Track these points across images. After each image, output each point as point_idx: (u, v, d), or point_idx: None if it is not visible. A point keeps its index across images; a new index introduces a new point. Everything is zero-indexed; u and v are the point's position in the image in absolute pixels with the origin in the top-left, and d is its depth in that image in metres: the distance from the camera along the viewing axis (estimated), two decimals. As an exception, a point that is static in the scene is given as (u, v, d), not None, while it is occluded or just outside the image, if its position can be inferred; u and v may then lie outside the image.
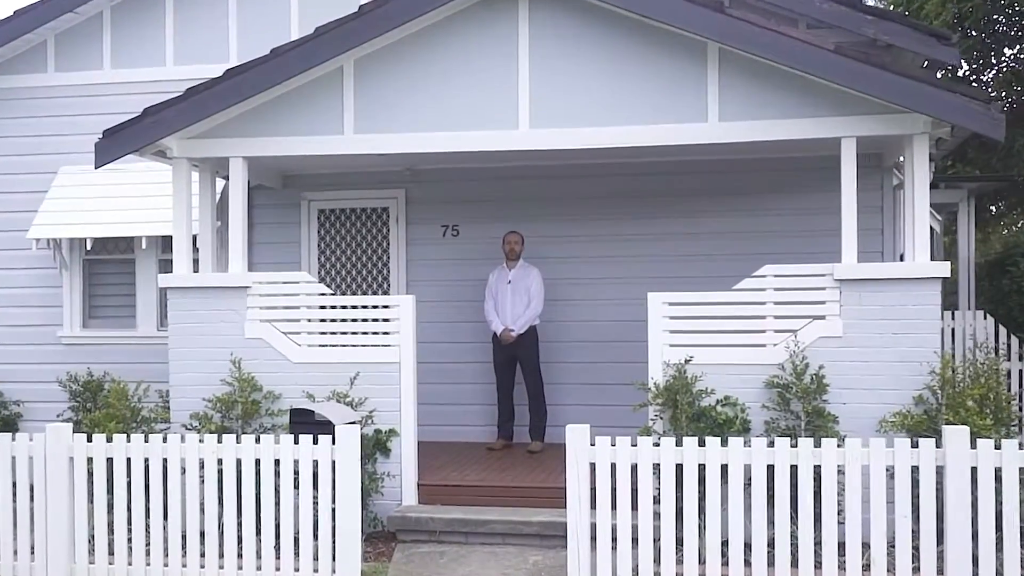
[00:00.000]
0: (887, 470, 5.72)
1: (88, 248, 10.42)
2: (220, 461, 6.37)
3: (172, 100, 8.04)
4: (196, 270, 8.48)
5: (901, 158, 8.80)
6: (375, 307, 8.25)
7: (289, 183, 10.40)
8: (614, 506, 5.86)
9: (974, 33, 14.94)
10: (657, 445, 5.81)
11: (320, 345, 8.19)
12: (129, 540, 6.46)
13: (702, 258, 9.58)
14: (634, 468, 5.88)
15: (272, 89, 8.00)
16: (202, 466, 6.42)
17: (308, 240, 10.42)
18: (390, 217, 10.28)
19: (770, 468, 5.78)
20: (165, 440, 6.47)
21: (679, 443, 5.87)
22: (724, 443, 5.88)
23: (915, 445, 5.70)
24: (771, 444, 5.81)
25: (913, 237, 7.42)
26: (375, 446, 7.98)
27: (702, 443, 5.85)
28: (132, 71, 10.51)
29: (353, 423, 7.16)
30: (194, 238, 8.58)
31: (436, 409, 9.82)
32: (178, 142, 8.25)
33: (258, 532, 6.32)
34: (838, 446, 5.72)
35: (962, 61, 14.19)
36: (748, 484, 5.84)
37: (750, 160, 9.47)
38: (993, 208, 17.83)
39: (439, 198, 10.17)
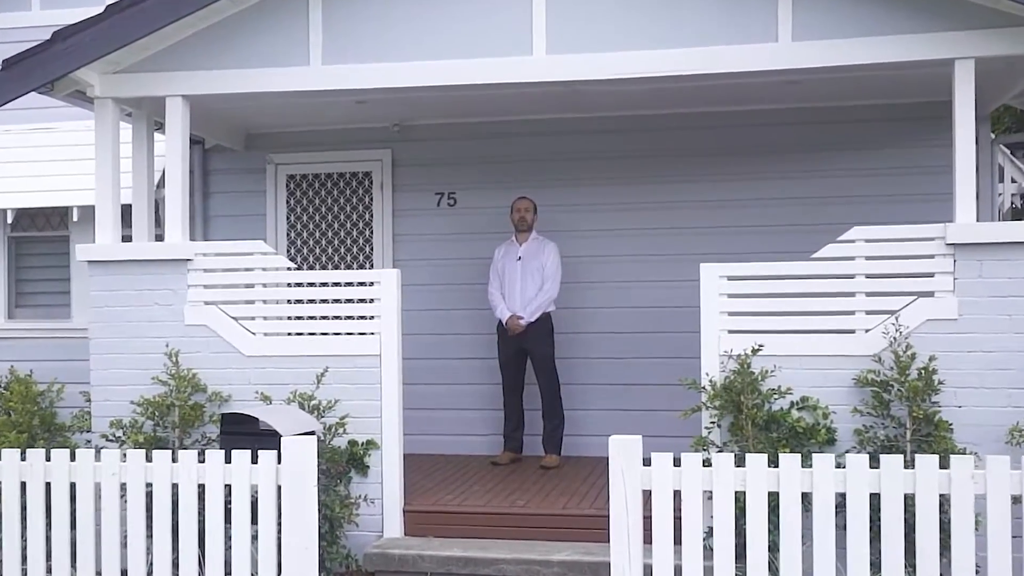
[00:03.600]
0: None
1: (10, 222, 8.67)
2: (124, 486, 4.62)
3: (89, 20, 6.29)
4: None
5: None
6: (350, 284, 6.55)
7: (253, 143, 8.69)
8: (677, 540, 4.11)
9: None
10: (741, 465, 4.04)
11: (280, 334, 6.49)
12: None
13: (763, 231, 7.82)
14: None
15: (217, 5, 6.27)
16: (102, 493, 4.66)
17: (275, 212, 8.68)
18: (373, 183, 8.53)
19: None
20: (49, 458, 4.70)
21: (773, 462, 4.10)
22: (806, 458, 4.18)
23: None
24: (909, 464, 4.03)
25: (1051, 188, 5.67)
26: (349, 462, 6.25)
27: (807, 463, 4.09)
28: (66, 12, 8.68)
29: (310, 434, 5.40)
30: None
31: (427, 415, 8.11)
32: (101, 77, 6.53)
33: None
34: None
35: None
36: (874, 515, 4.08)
37: (826, 109, 7.80)
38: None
39: (433, 160, 8.43)
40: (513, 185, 8.12)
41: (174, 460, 4.55)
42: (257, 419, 5.41)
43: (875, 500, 4.05)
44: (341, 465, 6.16)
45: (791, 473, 3.94)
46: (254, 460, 4.46)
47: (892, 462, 3.94)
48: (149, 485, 4.57)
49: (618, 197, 8.11)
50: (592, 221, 8.15)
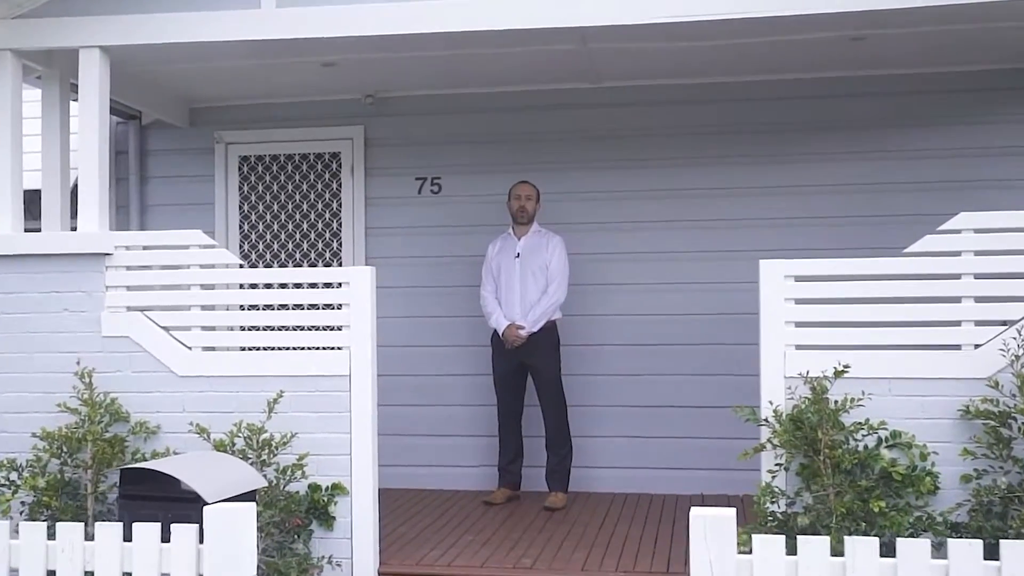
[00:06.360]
0: None
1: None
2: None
3: (-24, -55, 4.94)
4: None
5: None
6: (312, 286, 5.23)
7: (199, 119, 7.34)
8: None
9: None
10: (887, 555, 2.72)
11: (223, 348, 5.19)
12: None
13: (831, 223, 6.52)
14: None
15: (141, -71, 4.94)
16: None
17: (225, 201, 7.31)
18: (343, 166, 7.18)
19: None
20: None
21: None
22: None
23: None
24: None
25: None
26: (309, 512, 4.92)
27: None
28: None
29: (249, 495, 4.03)
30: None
31: (406, 443, 6.87)
32: (-3, 23, 5.18)
33: None
34: None
35: None
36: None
37: (903, 77, 6.54)
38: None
39: (413, 137, 7.12)
40: (510, 169, 6.83)
41: (52, 537, 3.17)
42: (175, 478, 3.99)
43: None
44: (299, 517, 4.83)
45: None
46: (166, 537, 3.10)
47: None
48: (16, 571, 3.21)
49: (640, 183, 6.81)
50: (607, 212, 6.84)
